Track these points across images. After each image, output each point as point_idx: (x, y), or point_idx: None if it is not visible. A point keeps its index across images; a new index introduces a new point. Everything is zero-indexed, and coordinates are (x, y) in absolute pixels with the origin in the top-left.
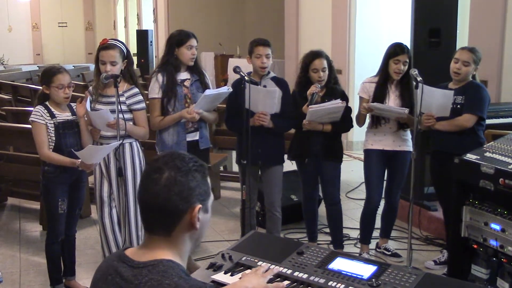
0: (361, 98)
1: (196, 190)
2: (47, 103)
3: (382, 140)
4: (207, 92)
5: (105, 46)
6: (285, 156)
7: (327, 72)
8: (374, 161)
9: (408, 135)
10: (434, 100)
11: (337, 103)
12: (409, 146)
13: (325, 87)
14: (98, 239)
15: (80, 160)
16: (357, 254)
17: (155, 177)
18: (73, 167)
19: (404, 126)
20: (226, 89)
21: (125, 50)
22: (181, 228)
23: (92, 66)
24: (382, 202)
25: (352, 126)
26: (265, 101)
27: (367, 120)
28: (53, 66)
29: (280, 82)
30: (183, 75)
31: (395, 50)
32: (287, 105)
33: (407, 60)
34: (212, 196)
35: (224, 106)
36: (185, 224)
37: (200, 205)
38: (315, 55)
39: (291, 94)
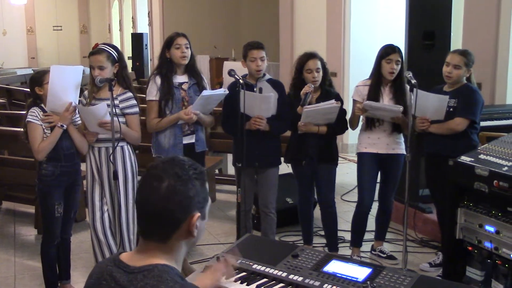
0: (354, 101)
1: (195, 198)
2: (42, 105)
3: (376, 144)
4: (205, 92)
5: (92, 51)
6: (282, 159)
7: (321, 73)
8: (367, 164)
9: (401, 138)
10: (429, 104)
11: (332, 103)
12: (402, 149)
13: (320, 89)
14: None
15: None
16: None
17: (155, 185)
18: (68, 170)
19: (398, 129)
20: (223, 91)
21: (115, 54)
22: (178, 236)
23: (87, 70)
24: (374, 205)
25: (347, 128)
26: (260, 106)
27: (360, 123)
28: (40, 69)
29: (275, 84)
30: (181, 78)
31: (386, 50)
32: (283, 107)
33: (399, 59)
34: (209, 201)
35: (221, 109)
36: (183, 232)
37: (198, 214)
38: (309, 56)
39: (286, 96)
